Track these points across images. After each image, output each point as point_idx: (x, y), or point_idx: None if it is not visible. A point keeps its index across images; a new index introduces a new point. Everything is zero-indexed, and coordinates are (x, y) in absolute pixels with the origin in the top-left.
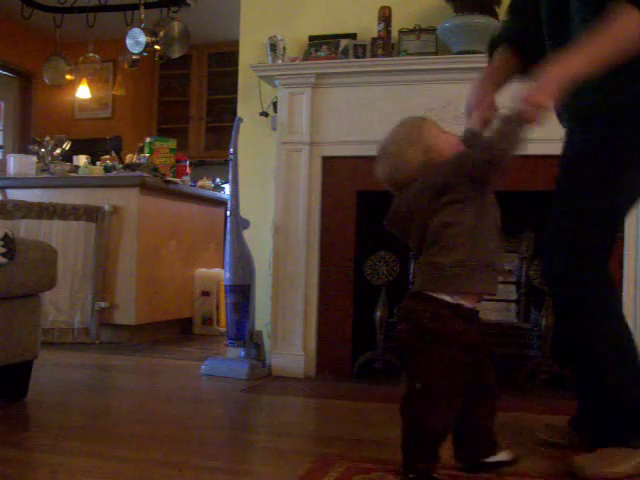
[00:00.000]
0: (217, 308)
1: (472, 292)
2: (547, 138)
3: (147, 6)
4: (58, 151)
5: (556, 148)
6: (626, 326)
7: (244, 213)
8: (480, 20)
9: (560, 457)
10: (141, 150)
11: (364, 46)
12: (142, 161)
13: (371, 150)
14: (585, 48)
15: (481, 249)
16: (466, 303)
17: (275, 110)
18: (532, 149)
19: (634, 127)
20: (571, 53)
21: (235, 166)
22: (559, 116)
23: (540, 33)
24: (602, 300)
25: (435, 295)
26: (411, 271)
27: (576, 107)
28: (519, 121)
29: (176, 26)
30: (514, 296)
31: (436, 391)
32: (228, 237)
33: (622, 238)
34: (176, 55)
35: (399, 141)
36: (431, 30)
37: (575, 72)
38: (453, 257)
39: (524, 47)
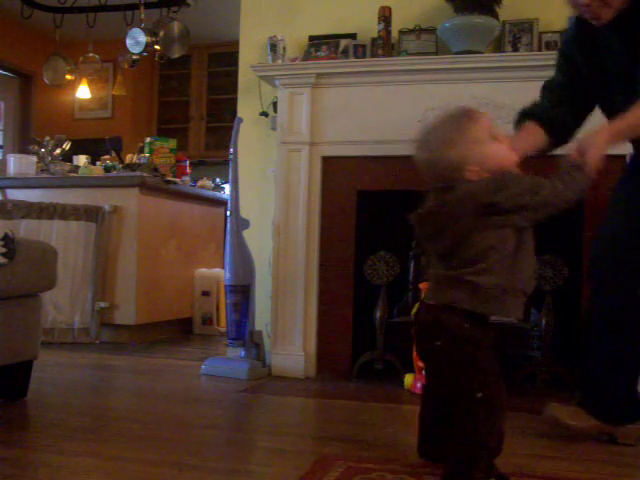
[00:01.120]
0: (217, 308)
1: (501, 315)
2: None
3: (147, 6)
4: (58, 151)
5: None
6: None
7: (244, 213)
8: (480, 20)
9: (560, 457)
10: (141, 150)
11: (364, 46)
12: (142, 161)
13: (371, 150)
14: (628, 116)
15: (517, 276)
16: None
17: (275, 110)
18: None
19: None
20: (619, 123)
21: (235, 166)
22: None
23: (570, 120)
24: None
25: (469, 308)
26: (411, 271)
27: None
28: (583, 170)
29: (176, 26)
30: None
31: (498, 397)
32: (228, 237)
33: None
34: (176, 55)
35: (440, 139)
36: (431, 30)
37: (619, 139)
38: (492, 280)
39: (552, 128)
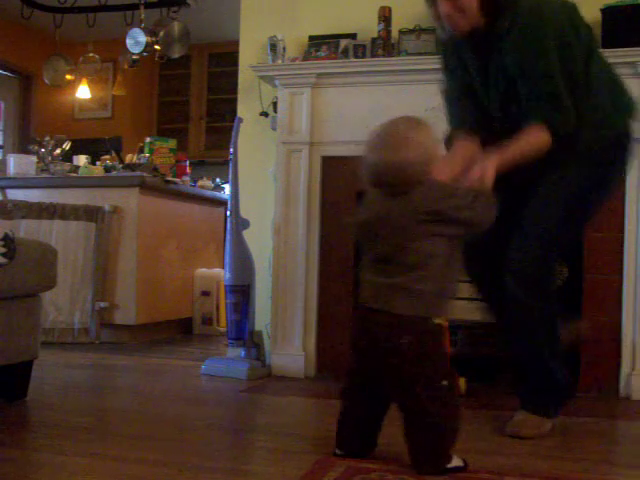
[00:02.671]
0: (217, 308)
1: (437, 317)
2: None
3: (147, 6)
4: (58, 151)
5: None
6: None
7: (244, 213)
8: None
9: (560, 457)
10: (141, 150)
11: (364, 46)
12: (142, 161)
13: None
14: (513, 148)
15: (450, 282)
16: None
17: (275, 110)
18: None
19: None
20: (506, 148)
21: (235, 166)
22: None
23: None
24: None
25: (415, 314)
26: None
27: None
28: (483, 195)
29: (176, 26)
30: None
31: (455, 382)
32: (228, 237)
33: (622, 239)
34: (176, 55)
35: (398, 142)
36: (431, 30)
37: (503, 168)
38: (433, 287)
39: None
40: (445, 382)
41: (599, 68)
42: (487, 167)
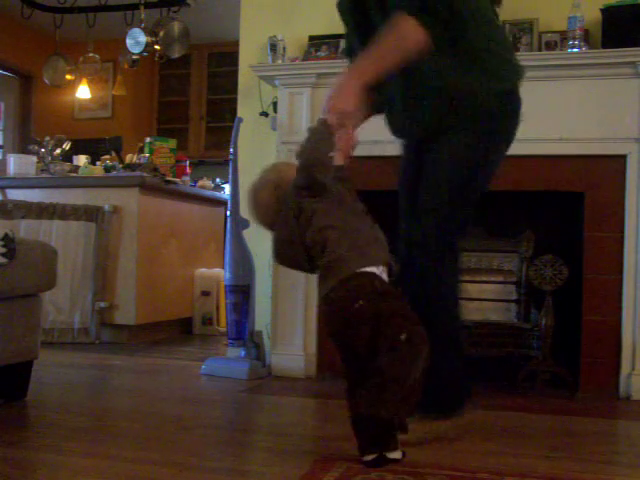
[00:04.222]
0: (217, 308)
1: (372, 264)
2: (545, 138)
3: (147, 6)
4: (58, 151)
5: (555, 148)
6: None
7: (244, 213)
8: None
9: (560, 457)
10: (141, 150)
11: None
12: (142, 161)
13: (371, 150)
14: (372, 54)
15: (357, 229)
16: None
17: (275, 110)
18: (531, 149)
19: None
20: (360, 60)
21: (235, 166)
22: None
23: None
24: None
25: (366, 269)
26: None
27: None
28: (327, 129)
29: (176, 26)
30: (514, 296)
31: (419, 336)
32: (228, 237)
33: (622, 239)
34: (176, 55)
35: (254, 192)
36: None
37: (366, 76)
38: (345, 245)
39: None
40: (404, 336)
41: (494, 16)
42: (335, 95)
